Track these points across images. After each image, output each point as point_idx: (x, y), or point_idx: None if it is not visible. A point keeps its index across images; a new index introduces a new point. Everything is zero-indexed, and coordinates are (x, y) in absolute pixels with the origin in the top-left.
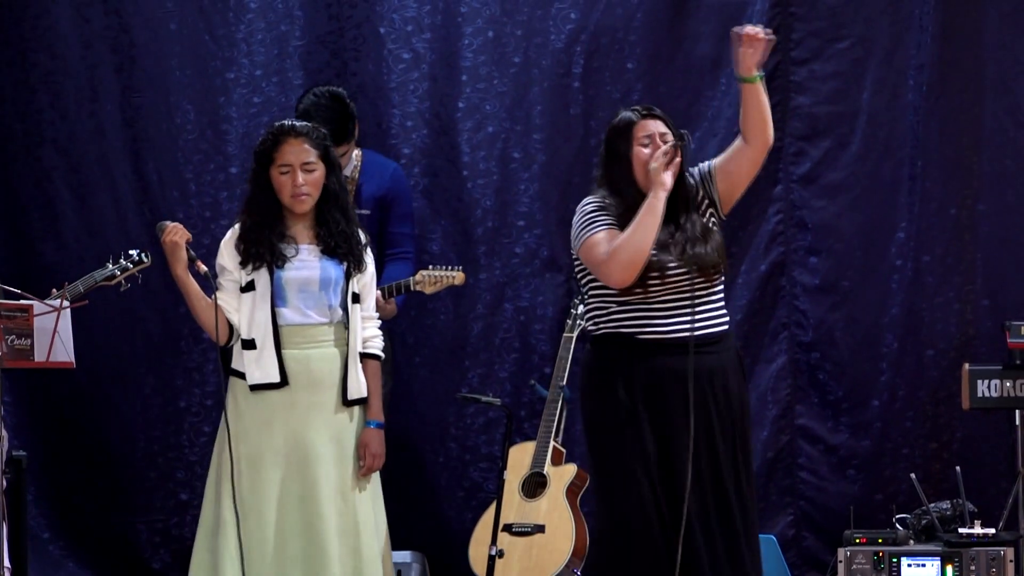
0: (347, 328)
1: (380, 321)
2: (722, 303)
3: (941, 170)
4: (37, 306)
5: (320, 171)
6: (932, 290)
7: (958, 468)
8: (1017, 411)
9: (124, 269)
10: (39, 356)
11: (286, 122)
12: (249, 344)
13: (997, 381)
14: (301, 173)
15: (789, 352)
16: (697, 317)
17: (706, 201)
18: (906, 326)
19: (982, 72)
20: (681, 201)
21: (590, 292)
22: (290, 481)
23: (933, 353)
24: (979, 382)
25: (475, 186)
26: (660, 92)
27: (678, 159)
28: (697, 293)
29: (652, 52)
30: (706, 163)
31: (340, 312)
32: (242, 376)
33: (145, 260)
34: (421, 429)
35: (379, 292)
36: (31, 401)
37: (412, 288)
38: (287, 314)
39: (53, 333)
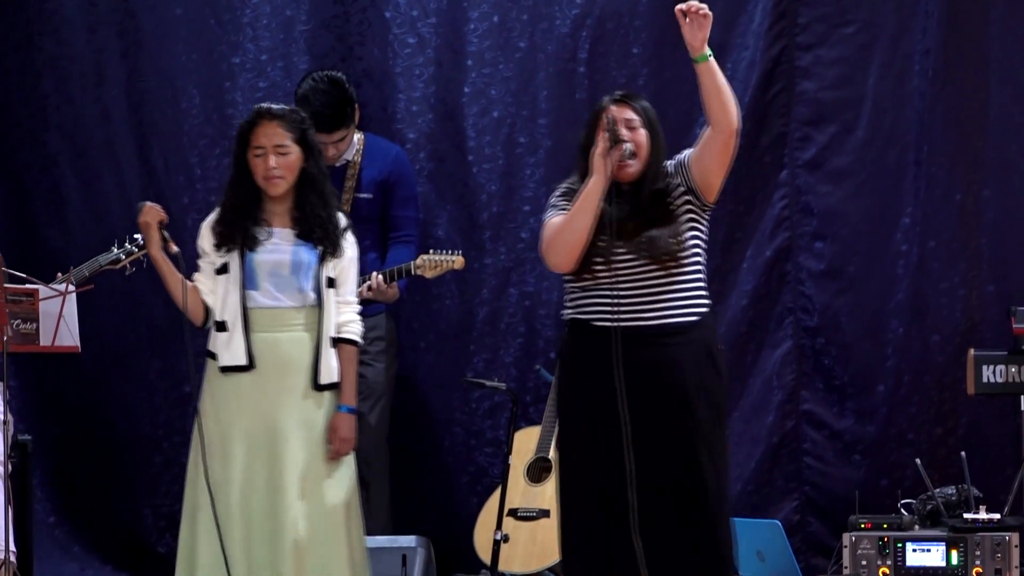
0: (320, 312)
1: (360, 307)
2: (689, 293)
3: (946, 156)
4: (43, 290)
5: (295, 154)
6: (937, 275)
7: (963, 453)
8: (1022, 396)
9: (129, 253)
10: (44, 340)
11: (263, 105)
12: (221, 326)
13: (1002, 366)
14: (274, 156)
15: (794, 337)
16: (654, 306)
17: (681, 189)
18: (912, 311)
19: (988, 58)
20: (646, 189)
21: (563, 275)
22: (257, 464)
23: (938, 339)
24: (984, 367)
25: (480, 171)
26: (666, 77)
27: (631, 148)
28: (651, 282)
29: (658, 37)
30: (685, 152)
31: (312, 296)
32: (215, 357)
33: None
34: (426, 414)
35: (380, 276)
36: (36, 385)
37: (413, 272)
38: (258, 297)
39: (58, 317)
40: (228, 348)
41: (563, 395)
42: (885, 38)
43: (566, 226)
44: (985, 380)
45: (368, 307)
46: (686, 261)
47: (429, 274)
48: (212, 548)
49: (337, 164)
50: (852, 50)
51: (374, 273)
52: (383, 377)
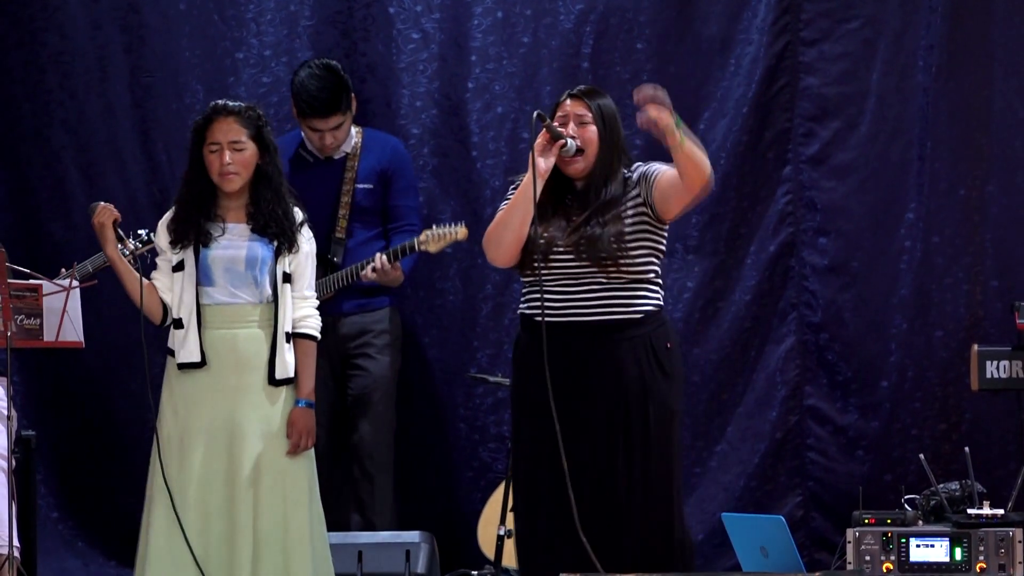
0: (276, 308)
1: (317, 302)
2: (631, 292)
3: (950, 151)
4: (46, 286)
5: (250, 151)
6: (941, 271)
7: (967, 449)
8: None
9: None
10: (48, 336)
11: (219, 101)
12: (178, 323)
13: (1006, 362)
14: (229, 152)
15: (798, 333)
16: (589, 304)
17: (639, 200)
18: (915, 307)
19: (992, 53)
20: (597, 190)
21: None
22: (216, 460)
23: (942, 334)
24: (988, 363)
25: (484, 166)
26: (670, 73)
27: (574, 144)
28: (589, 280)
29: (662, 33)
30: (656, 167)
31: (268, 291)
32: (173, 355)
33: (153, 239)
34: (430, 409)
35: (384, 256)
36: (40, 381)
37: (417, 248)
38: (213, 293)
39: (62, 313)
40: (184, 345)
41: (513, 390)
42: (889, 33)
43: (500, 220)
44: (989, 375)
45: (374, 300)
46: (627, 264)
47: (433, 248)
48: (163, 543)
49: (336, 157)
50: (856, 45)
51: (377, 254)
52: (388, 372)
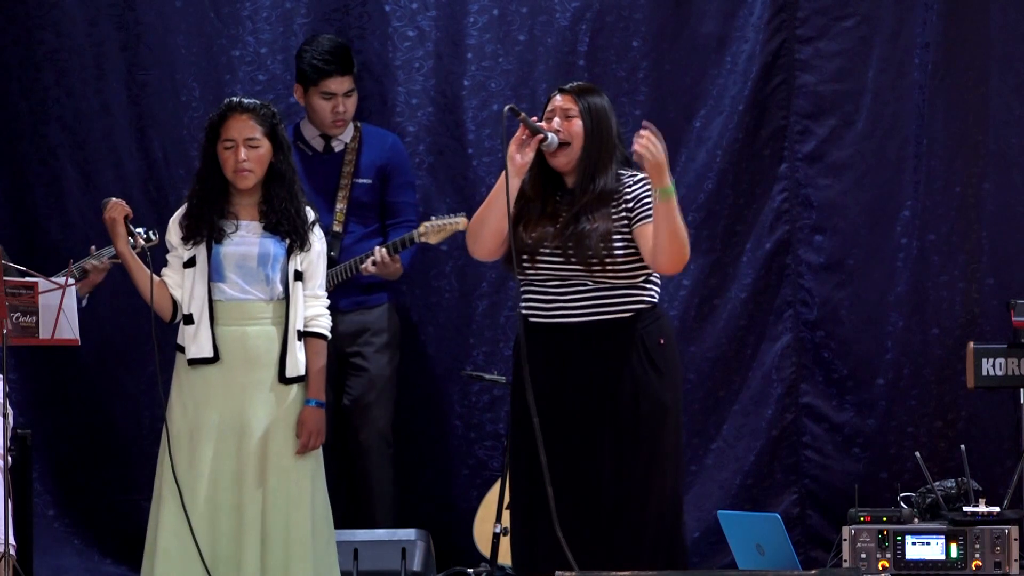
0: (287, 306)
1: (328, 302)
2: (621, 291)
3: (946, 149)
4: (42, 283)
5: (265, 148)
6: (937, 269)
7: (963, 446)
8: (1022, 389)
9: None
10: (44, 333)
11: (235, 98)
12: (188, 319)
13: (1002, 360)
14: (244, 148)
15: (794, 330)
16: (579, 304)
17: (624, 210)
18: (911, 304)
19: (988, 51)
20: (585, 188)
21: None
22: (224, 457)
23: (938, 332)
24: (984, 360)
25: (480, 164)
26: (665, 70)
27: (555, 139)
28: (577, 280)
29: (657, 30)
30: (646, 202)
31: (280, 289)
32: (184, 351)
33: (153, 238)
34: (426, 407)
35: (384, 249)
36: (36, 379)
37: (416, 240)
38: (225, 289)
39: (58, 310)
40: (195, 341)
41: (512, 389)
42: (885, 31)
43: (478, 216)
44: (985, 373)
45: (372, 297)
46: (614, 265)
47: (433, 239)
48: (172, 541)
49: (336, 149)
50: (852, 43)
51: (377, 248)
52: (387, 371)
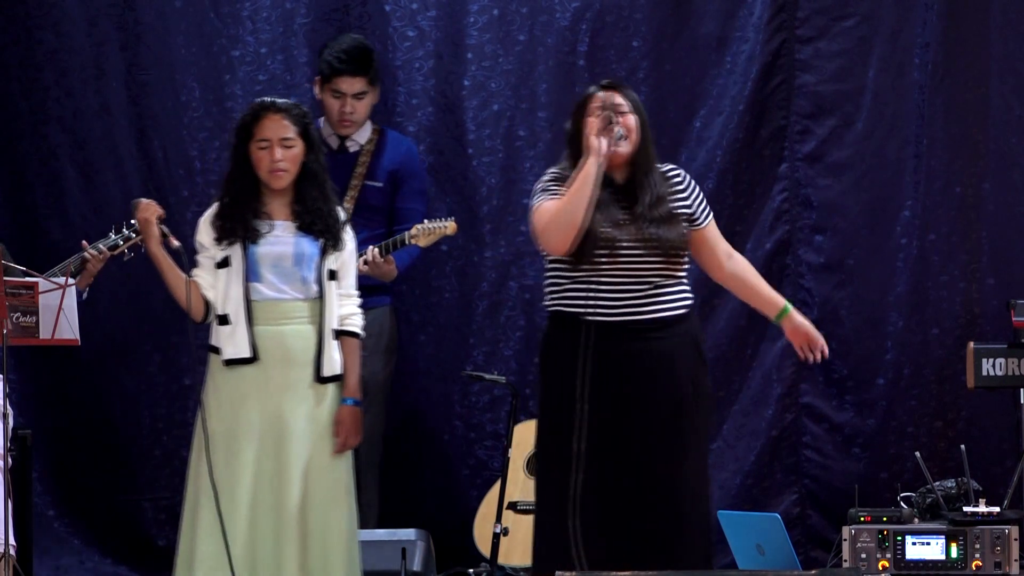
0: (322, 305)
1: (360, 300)
2: (681, 287)
3: (946, 149)
4: (42, 283)
5: (299, 148)
6: (937, 268)
7: (963, 446)
8: (1022, 389)
9: (127, 238)
10: (44, 333)
11: (267, 98)
12: (224, 319)
13: (1002, 360)
14: (279, 148)
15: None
16: (649, 299)
17: (686, 203)
18: (911, 305)
19: (988, 50)
20: (642, 182)
21: (547, 265)
22: (264, 457)
23: (938, 332)
24: (984, 360)
25: (480, 164)
26: (666, 70)
27: (622, 132)
28: (649, 275)
29: (657, 30)
30: (705, 207)
31: (315, 288)
32: (218, 352)
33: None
34: (426, 407)
35: (376, 249)
36: (36, 379)
37: (407, 242)
38: (261, 289)
39: (58, 310)
40: (232, 341)
41: (549, 391)
42: (885, 31)
43: (564, 207)
44: (985, 373)
45: (372, 299)
46: (684, 258)
47: (423, 242)
48: (212, 545)
49: (350, 149)
50: (852, 43)
51: (370, 248)
52: (380, 376)
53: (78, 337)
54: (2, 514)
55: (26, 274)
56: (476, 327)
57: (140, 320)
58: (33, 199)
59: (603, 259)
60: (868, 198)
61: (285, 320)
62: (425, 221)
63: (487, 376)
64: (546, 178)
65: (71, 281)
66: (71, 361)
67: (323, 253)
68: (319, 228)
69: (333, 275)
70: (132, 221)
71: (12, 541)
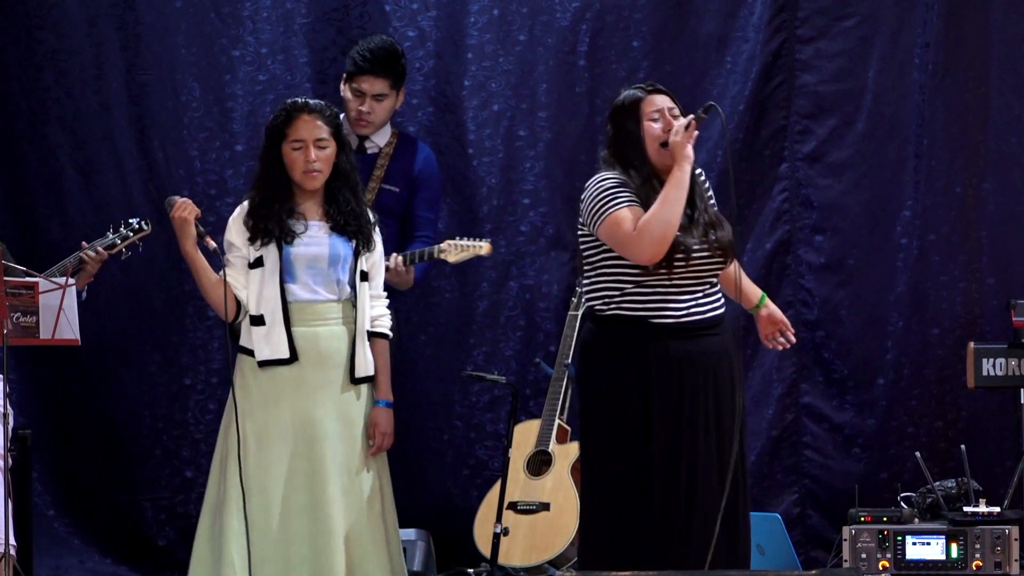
0: (355, 306)
1: (388, 300)
2: (718, 285)
3: (947, 149)
4: (43, 283)
5: (332, 148)
6: (937, 268)
7: (963, 446)
8: (1022, 390)
9: (124, 238)
10: (44, 333)
11: (299, 99)
12: (258, 320)
13: (1002, 360)
14: (314, 149)
15: (794, 330)
16: (707, 299)
17: (714, 206)
18: (911, 304)
19: (988, 51)
20: (693, 186)
21: (601, 270)
22: (297, 458)
23: (938, 332)
24: (984, 361)
25: (480, 164)
26: (666, 70)
27: (696, 133)
28: (708, 275)
29: (658, 30)
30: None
31: (348, 290)
32: (250, 353)
33: (145, 228)
34: (426, 407)
35: (401, 258)
36: (36, 379)
37: (436, 256)
38: (296, 290)
39: (59, 310)
40: (267, 342)
41: (609, 393)
42: (885, 31)
43: (660, 215)
44: (985, 373)
45: None
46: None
47: (452, 258)
48: (240, 550)
49: (369, 151)
50: (852, 43)
51: (394, 255)
52: None
53: (78, 337)
54: (2, 514)
55: (26, 274)
56: (476, 327)
57: (140, 320)
58: (33, 199)
59: (679, 264)
60: (868, 198)
61: (319, 321)
62: (457, 238)
63: (487, 376)
64: (608, 185)
65: (71, 281)
66: (71, 361)
67: (356, 254)
68: (352, 229)
69: (365, 276)
70: (130, 220)
71: (12, 541)
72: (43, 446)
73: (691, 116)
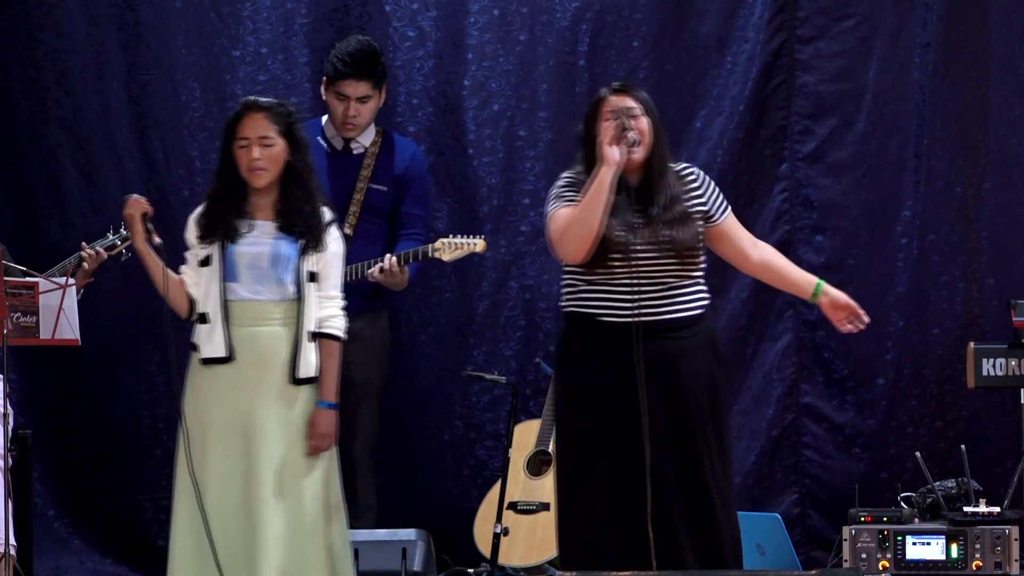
0: (300, 307)
1: (344, 303)
2: (697, 287)
3: (946, 149)
4: (43, 283)
5: (280, 147)
6: (937, 268)
7: (963, 446)
8: (1022, 389)
9: (124, 238)
10: (45, 333)
11: (251, 97)
12: (203, 318)
13: (1002, 360)
14: (258, 147)
15: (795, 330)
16: (665, 300)
17: (700, 200)
18: (912, 305)
19: (988, 51)
20: (657, 183)
21: (564, 268)
22: (234, 457)
23: (938, 332)
24: (984, 360)
25: (480, 164)
26: (666, 70)
27: (635, 137)
28: (665, 277)
29: (658, 30)
30: (721, 202)
31: (292, 290)
32: (197, 349)
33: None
34: (426, 407)
35: (394, 258)
36: (37, 379)
37: (430, 255)
38: (237, 290)
39: (59, 310)
40: (209, 340)
41: (565, 391)
42: (885, 31)
43: (579, 216)
44: (985, 373)
45: (369, 305)
46: (699, 257)
47: (447, 257)
48: (185, 539)
49: (355, 151)
50: (852, 43)
51: (388, 255)
52: (375, 382)
53: (78, 337)
54: (2, 514)
55: (26, 274)
56: (476, 327)
57: (140, 320)
58: (33, 199)
59: (617, 263)
60: (868, 198)
61: (261, 322)
62: (451, 236)
63: (487, 376)
64: (560, 184)
65: (71, 281)
66: (71, 361)
67: (303, 254)
68: (300, 229)
69: (313, 277)
70: (121, 230)
71: (12, 541)
72: (43, 446)
73: (617, 119)
